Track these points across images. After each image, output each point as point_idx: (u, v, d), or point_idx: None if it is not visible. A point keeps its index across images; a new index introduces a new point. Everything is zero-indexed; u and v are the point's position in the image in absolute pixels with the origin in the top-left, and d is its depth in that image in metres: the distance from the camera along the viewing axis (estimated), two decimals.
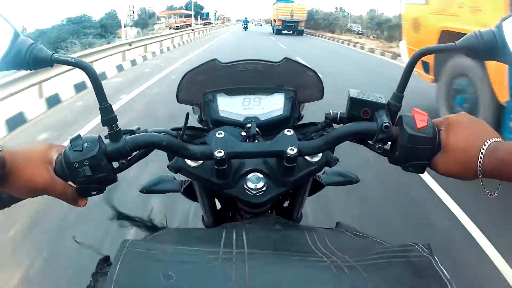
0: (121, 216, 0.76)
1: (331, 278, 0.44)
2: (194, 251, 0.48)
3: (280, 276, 0.44)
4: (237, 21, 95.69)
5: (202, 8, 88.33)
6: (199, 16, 73.50)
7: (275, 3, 34.56)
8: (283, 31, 33.00)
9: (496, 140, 0.54)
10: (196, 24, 49.43)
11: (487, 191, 0.55)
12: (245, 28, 42.81)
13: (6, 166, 0.51)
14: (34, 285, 1.96)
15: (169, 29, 45.49)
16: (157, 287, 0.42)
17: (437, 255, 0.49)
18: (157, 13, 77.35)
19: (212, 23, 59.40)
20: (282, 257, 0.48)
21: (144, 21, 70.74)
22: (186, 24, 50.47)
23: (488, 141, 0.54)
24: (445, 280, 0.44)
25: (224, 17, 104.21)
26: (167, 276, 0.42)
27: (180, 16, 62.41)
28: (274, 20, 35.03)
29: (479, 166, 0.53)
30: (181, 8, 72.11)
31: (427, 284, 0.45)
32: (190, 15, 68.41)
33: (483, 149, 0.53)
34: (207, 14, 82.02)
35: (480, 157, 0.53)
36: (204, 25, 47.37)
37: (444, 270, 0.46)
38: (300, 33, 32.65)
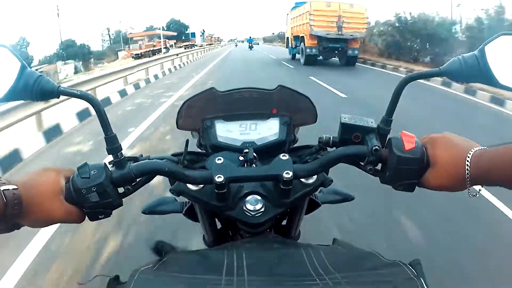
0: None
1: None
2: (198, 279, 0.51)
3: None
4: (229, 41, 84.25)
5: (186, 27, 79.01)
6: (183, 37, 67.78)
7: (299, 5, 17.23)
8: (319, 58, 16.23)
9: (479, 148, 0.57)
10: (169, 48, 42.69)
11: (470, 194, 0.59)
12: (250, 47, 42.74)
13: (23, 203, 0.53)
14: None
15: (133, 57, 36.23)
16: None
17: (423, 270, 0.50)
18: (132, 34, 57.66)
19: (196, 45, 50.29)
20: (279, 282, 0.51)
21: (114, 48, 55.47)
22: (153, 50, 39.64)
23: (471, 150, 0.57)
24: None
25: (213, 37, 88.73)
26: None
27: (151, 39, 47.72)
28: (298, 37, 17.26)
29: (467, 175, 0.56)
30: (158, 28, 54.56)
31: None
32: (171, 37, 56.48)
33: (468, 157, 0.56)
34: (193, 34, 73.31)
35: (467, 166, 0.56)
36: (185, 48, 40.01)
37: None
38: (352, 61, 15.99)
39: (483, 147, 0.57)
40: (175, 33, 62.97)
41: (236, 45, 50.09)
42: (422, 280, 0.51)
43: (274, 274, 0.53)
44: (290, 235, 0.88)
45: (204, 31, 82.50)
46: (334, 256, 0.59)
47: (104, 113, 0.62)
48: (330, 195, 0.94)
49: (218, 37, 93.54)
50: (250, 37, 48.49)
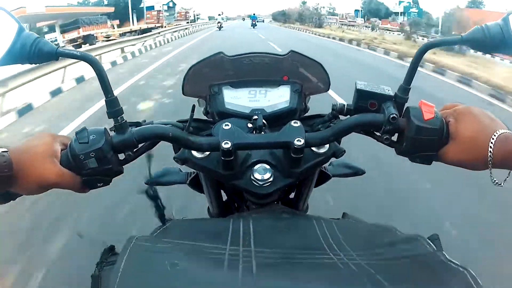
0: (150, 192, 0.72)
1: (339, 278, 0.44)
2: (200, 246, 0.48)
3: (287, 276, 0.44)
4: (210, 18, 57.18)
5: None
6: (134, 14, 37.45)
7: None
8: None
9: (506, 131, 0.54)
10: (95, 39, 22.29)
11: (495, 181, 0.56)
12: (254, 25, 36.60)
13: (14, 167, 0.51)
14: None
15: None
16: (162, 276, 0.42)
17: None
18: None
19: (154, 28, 26.69)
20: (290, 256, 0.48)
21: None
22: None
23: (497, 132, 0.54)
24: (459, 267, 0.44)
25: (187, 12, 52.00)
26: (173, 264, 0.43)
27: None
28: None
29: (489, 156, 0.54)
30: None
31: (440, 277, 0.45)
32: (101, 18, 28.72)
33: (493, 139, 0.54)
34: (150, 7, 41.63)
35: (490, 147, 0.53)
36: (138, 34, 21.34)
37: (454, 261, 0.46)
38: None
39: (509, 130, 0.55)
40: (110, 9, 33.52)
41: (220, 28, 31.01)
42: (444, 253, 0.48)
43: (283, 246, 0.50)
44: (298, 208, 0.86)
45: (174, 4, 47.47)
46: (348, 231, 0.56)
47: (105, 74, 0.58)
48: (340, 168, 0.92)
49: (187, 13, 51.18)
50: (253, 14, 40.73)
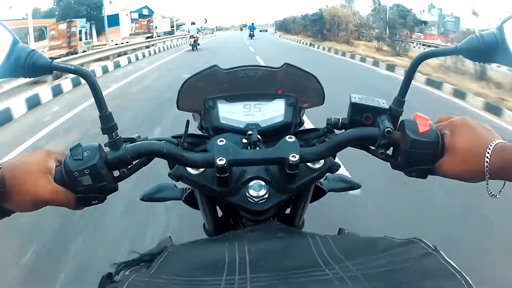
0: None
1: None
2: (197, 281, 0.48)
3: None
4: (189, 30, 26.12)
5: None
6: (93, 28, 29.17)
7: None
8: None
9: (501, 141, 0.54)
10: None
11: (491, 192, 0.56)
12: (251, 36, 32.69)
13: (6, 183, 0.50)
14: None
15: None
16: None
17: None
18: None
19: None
20: (285, 277, 0.47)
21: None
22: None
23: (493, 142, 0.54)
24: (456, 273, 0.44)
25: (150, 21, 34.54)
26: None
27: None
28: None
29: (486, 167, 0.53)
30: None
31: (436, 282, 0.44)
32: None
33: (489, 150, 0.53)
34: (113, 18, 32.64)
35: (487, 158, 0.53)
36: None
37: (452, 263, 0.45)
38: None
39: (504, 141, 0.54)
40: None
41: (195, 47, 19.39)
42: (442, 253, 0.48)
43: (279, 268, 0.49)
44: (294, 224, 0.85)
45: (151, 11, 40.94)
46: (343, 244, 0.55)
47: (99, 89, 0.58)
48: (336, 183, 0.91)
49: (150, 22, 34.73)
50: (252, 24, 37.18)
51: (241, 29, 73.25)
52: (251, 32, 34.20)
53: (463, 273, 0.43)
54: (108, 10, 32.71)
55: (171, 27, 42.35)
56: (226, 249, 0.53)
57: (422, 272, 0.46)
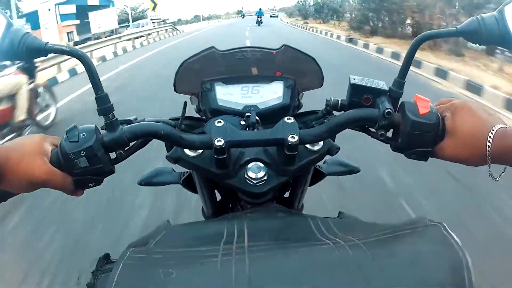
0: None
1: (334, 260, 0.43)
2: (194, 251, 0.48)
3: (281, 263, 0.44)
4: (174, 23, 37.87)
5: None
6: None
7: None
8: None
9: (503, 126, 0.54)
10: None
11: (492, 175, 0.56)
12: (259, 22, 29.93)
13: (0, 165, 0.50)
14: None
15: None
16: (157, 285, 0.42)
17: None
18: None
19: None
20: (283, 246, 0.47)
21: None
22: None
23: (495, 126, 0.54)
24: (455, 245, 0.44)
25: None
26: (167, 273, 0.42)
27: None
28: None
29: (488, 151, 0.53)
30: None
31: (434, 251, 0.44)
32: None
33: (491, 134, 0.53)
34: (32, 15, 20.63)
35: (489, 142, 0.53)
36: None
37: (454, 235, 0.45)
38: None
39: (506, 125, 0.54)
40: None
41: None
42: (445, 224, 0.48)
43: (278, 238, 0.50)
44: (293, 207, 0.85)
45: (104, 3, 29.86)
46: (344, 226, 0.55)
47: (95, 70, 0.57)
48: (335, 166, 0.91)
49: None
50: (260, 10, 32.71)
51: (243, 16, 61.37)
52: (259, 18, 30.78)
53: (460, 244, 0.44)
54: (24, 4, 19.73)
55: (123, 22, 31.60)
56: (225, 226, 0.53)
57: (422, 239, 0.46)
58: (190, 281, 0.43)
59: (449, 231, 0.47)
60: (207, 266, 0.44)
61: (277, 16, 57.54)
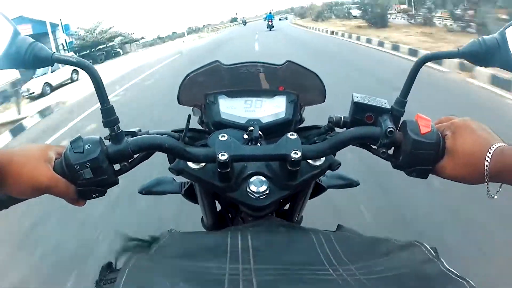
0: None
1: None
2: (199, 267, 0.47)
3: None
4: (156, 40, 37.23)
5: None
6: None
7: None
8: None
9: (501, 144, 0.55)
10: None
11: (489, 193, 0.56)
12: (270, 27, 28.20)
13: (3, 168, 0.50)
14: None
15: None
16: None
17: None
18: None
19: None
20: (289, 273, 0.47)
21: None
22: None
23: (494, 145, 0.54)
24: (458, 278, 0.44)
25: None
26: (174, 284, 0.42)
27: None
28: None
29: (486, 170, 0.54)
30: None
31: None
32: None
33: (489, 153, 0.54)
34: None
35: (487, 161, 0.54)
36: None
37: (453, 270, 0.46)
38: None
39: (504, 144, 0.55)
40: None
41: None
42: (442, 260, 0.48)
43: (282, 261, 0.50)
44: (292, 220, 0.85)
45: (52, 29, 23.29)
46: (346, 243, 0.56)
47: (101, 82, 0.57)
48: (334, 180, 0.91)
49: None
50: (270, 13, 30.95)
51: (244, 23, 54.51)
52: (269, 23, 28.58)
53: (465, 278, 0.44)
54: None
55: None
56: (229, 238, 0.53)
57: (424, 278, 0.46)
58: None
59: (447, 266, 0.47)
60: (214, 283, 0.44)
61: (286, 19, 54.30)
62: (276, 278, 0.46)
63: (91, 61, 0.72)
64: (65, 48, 26.92)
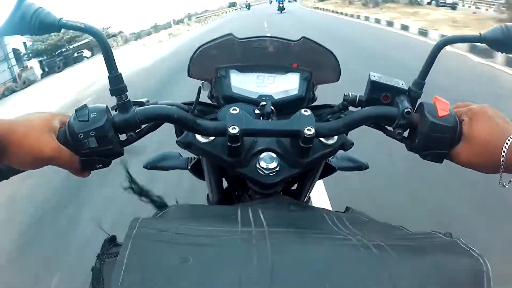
0: (135, 188, 0.71)
1: (359, 257, 0.42)
2: (210, 231, 0.45)
3: (307, 255, 0.42)
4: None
5: None
6: None
7: None
8: None
9: None
10: None
11: (502, 183, 0.55)
12: (281, 9, 26.39)
13: (4, 137, 0.49)
14: None
15: None
16: (172, 272, 0.39)
17: None
18: None
19: None
20: (306, 236, 0.46)
21: None
22: None
23: (511, 136, 0.53)
24: (476, 255, 0.43)
25: None
26: (184, 259, 0.40)
27: None
28: None
29: (502, 160, 0.53)
30: None
31: (455, 261, 0.44)
32: None
33: (507, 143, 0.53)
34: None
35: (504, 152, 0.53)
36: None
37: (472, 248, 0.45)
38: None
39: None
40: None
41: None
42: (461, 239, 0.47)
43: (298, 227, 0.48)
44: (300, 199, 0.84)
45: None
46: (359, 224, 0.54)
47: (110, 49, 0.55)
48: (344, 161, 0.90)
49: None
50: None
51: (248, 7, 47.12)
52: (280, 4, 26.68)
53: (482, 256, 0.43)
54: None
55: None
56: (239, 211, 0.52)
57: (444, 251, 0.45)
58: (209, 269, 0.39)
59: (467, 245, 0.46)
60: (226, 252, 0.42)
61: (296, 1, 48.60)
62: (291, 242, 0.44)
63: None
64: (24, 54, 22.55)
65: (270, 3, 30.23)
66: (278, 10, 26.98)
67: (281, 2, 27.08)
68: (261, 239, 0.43)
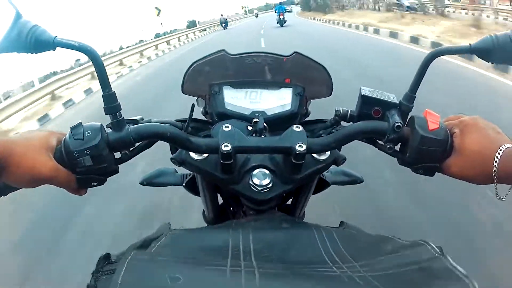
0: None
1: None
2: (200, 264, 0.46)
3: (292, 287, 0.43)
4: None
5: None
6: None
7: None
8: None
9: (511, 145, 0.53)
10: None
11: (498, 195, 0.55)
12: (282, 22, 22.25)
13: (3, 158, 0.49)
14: None
15: None
16: None
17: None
18: None
19: None
20: (293, 271, 0.46)
21: None
22: None
23: (503, 146, 0.53)
24: (462, 277, 0.43)
25: None
26: (174, 278, 0.41)
27: None
28: None
29: (494, 170, 0.53)
30: None
31: (444, 285, 0.44)
32: None
33: (499, 153, 0.52)
34: None
35: (496, 162, 0.52)
36: None
37: (459, 268, 0.45)
38: None
39: None
40: None
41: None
42: (448, 258, 0.47)
43: (285, 259, 0.49)
44: (295, 215, 0.84)
45: None
46: (349, 240, 0.54)
47: (104, 67, 0.56)
48: (338, 176, 0.90)
49: None
50: (279, 4, 24.13)
51: (257, 16, 47.60)
52: (281, 16, 22.30)
53: (469, 276, 0.43)
54: None
55: None
56: (230, 236, 0.52)
57: (430, 275, 0.45)
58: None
59: (453, 263, 0.46)
60: (215, 274, 0.43)
61: (291, 11, 46.81)
62: (278, 272, 0.45)
63: None
64: None
65: (275, 11, 24.79)
66: (277, 23, 22.56)
67: (281, 14, 22.48)
68: (250, 267, 0.44)
